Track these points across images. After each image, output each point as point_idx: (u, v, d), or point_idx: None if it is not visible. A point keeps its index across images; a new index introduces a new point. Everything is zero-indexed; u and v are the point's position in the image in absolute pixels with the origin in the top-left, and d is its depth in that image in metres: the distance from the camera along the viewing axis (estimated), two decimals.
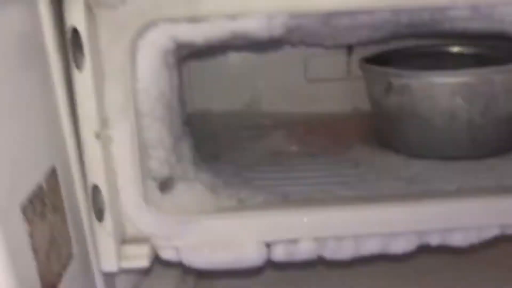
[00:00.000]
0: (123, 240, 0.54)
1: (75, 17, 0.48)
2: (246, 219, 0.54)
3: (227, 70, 0.99)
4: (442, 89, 0.70)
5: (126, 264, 0.53)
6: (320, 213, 0.56)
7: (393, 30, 0.75)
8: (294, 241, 0.56)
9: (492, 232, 0.58)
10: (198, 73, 0.98)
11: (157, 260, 0.58)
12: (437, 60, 0.87)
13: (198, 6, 0.49)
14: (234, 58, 0.97)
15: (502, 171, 0.65)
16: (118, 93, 0.51)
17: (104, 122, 0.51)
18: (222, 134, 0.89)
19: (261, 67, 0.97)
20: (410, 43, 0.91)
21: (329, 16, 0.57)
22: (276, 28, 0.52)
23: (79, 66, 0.49)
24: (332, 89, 0.97)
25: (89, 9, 0.49)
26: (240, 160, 0.79)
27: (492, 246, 0.69)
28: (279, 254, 0.56)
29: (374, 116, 0.84)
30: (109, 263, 0.52)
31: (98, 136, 0.50)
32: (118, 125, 0.51)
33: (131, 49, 0.50)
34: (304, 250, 0.56)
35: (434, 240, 0.58)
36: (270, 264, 0.58)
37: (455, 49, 0.87)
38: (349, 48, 0.97)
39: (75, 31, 0.48)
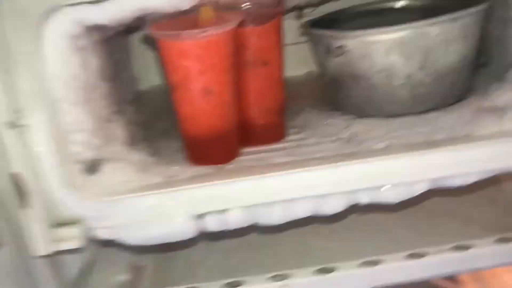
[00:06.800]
0: (56, 223, 0.56)
1: None
2: (173, 193, 0.55)
3: None
4: (376, 47, 0.69)
5: (59, 247, 0.55)
6: (248, 182, 0.57)
7: None
8: (224, 211, 0.57)
9: (421, 187, 0.59)
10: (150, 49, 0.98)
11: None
12: (383, 16, 0.86)
13: None
14: None
15: (435, 126, 0.65)
16: (29, 81, 0.51)
17: (18, 111, 0.51)
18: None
19: None
20: (359, 1, 0.90)
21: None
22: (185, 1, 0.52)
23: None
24: (285, 54, 0.96)
25: None
26: None
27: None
28: (211, 225, 0.57)
29: (322, 79, 0.83)
30: (40, 247, 0.54)
31: (12, 126, 0.51)
32: (33, 113, 0.52)
33: (37, 36, 0.51)
34: (235, 219, 0.57)
35: (364, 198, 0.59)
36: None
37: (400, 3, 0.86)
38: (299, 12, 0.96)
39: None
